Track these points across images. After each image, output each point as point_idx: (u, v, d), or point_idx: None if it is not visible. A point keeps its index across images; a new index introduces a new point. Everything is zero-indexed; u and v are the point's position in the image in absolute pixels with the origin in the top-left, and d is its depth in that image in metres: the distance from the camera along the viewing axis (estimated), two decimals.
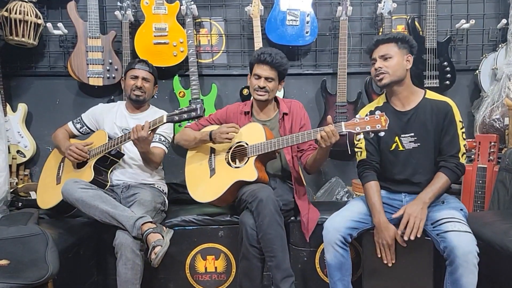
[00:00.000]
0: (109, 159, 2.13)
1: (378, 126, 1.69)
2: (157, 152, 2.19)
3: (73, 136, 2.37)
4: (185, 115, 1.88)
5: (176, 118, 1.89)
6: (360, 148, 1.96)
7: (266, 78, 2.08)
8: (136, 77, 2.26)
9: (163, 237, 1.82)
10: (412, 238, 1.71)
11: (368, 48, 1.92)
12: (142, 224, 1.83)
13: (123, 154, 2.18)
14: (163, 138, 2.26)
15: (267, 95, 2.11)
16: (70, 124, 2.38)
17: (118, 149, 2.11)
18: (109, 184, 2.12)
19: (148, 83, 2.30)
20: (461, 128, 1.83)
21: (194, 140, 2.19)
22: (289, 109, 2.18)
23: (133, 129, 1.96)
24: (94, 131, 2.34)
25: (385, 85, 1.86)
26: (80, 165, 2.18)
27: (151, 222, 1.87)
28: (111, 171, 2.18)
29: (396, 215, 1.79)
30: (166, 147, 2.28)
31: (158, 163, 2.24)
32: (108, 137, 2.15)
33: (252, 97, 2.21)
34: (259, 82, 2.09)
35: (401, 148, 1.89)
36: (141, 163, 2.21)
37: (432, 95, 1.89)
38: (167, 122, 1.91)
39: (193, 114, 1.86)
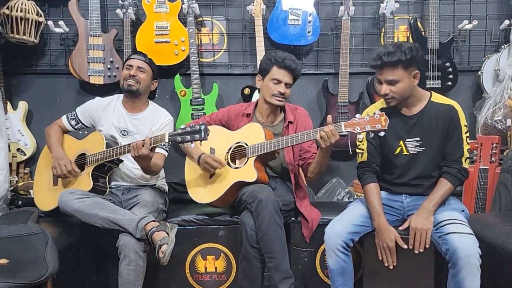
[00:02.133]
0: (107, 166, 2.08)
1: (378, 126, 1.68)
2: (158, 162, 2.11)
3: (67, 132, 2.28)
4: (188, 137, 1.78)
5: (179, 138, 1.79)
6: (362, 149, 1.94)
7: (286, 84, 2.06)
8: (130, 66, 2.18)
9: (168, 234, 1.81)
10: (421, 250, 1.71)
11: (372, 66, 1.81)
12: (145, 224, 1.81)
13: (122, 160, 2.11)
14: (163, 142, 2.20)
15: (284, 101, 2.11)
16: (64, 119, 2.26)
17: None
18: (108, 189, 2.08)
19: (144, 74, 2.19)
20: (466, 133, 1.81)
21: (186, 152, 2.18)
22: (295, 117, 2.16)
23: (133, 147, 1.88)
24: (89, 127, 2.28)
25: (393, 106, 1.84)
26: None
27: (153, 221, 1.86)
28: (110, 175, 2.12)
29: (402, 227, 1.79)
30: (167, 151, 2.20)
31: (159, 171, 2.18)
32: (106, 141, 2.06)
33: (258, 99, 2.19)
34: (279, 87, 2.05)
35: (405, 152, 1.87)
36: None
37: (437, 98, 1.86)
38: (168, 141, 1.83)
39: (197, 136, 1.76)
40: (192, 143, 1.80)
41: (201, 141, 1.81)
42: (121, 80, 2.19)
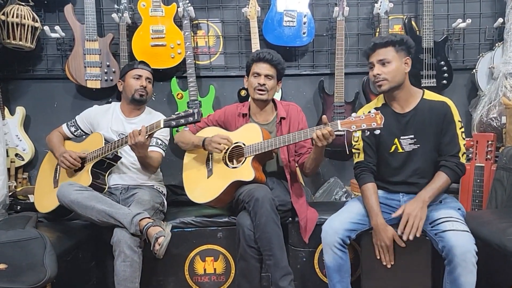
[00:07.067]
0: (106, 163, 2.13)
1: (374, 124, 1.69)
2: (155, 156, 2.19)
3: (67, 139, 2.36)
4: (182, 120, 1.85)
5: (173, 123, 1.87)
6: (358, 149, 1.96)
7: (266, 76, 2.10)
8: (140, 77, 2.27)
9: (163, 229, 1.83)
10: (411, 238, 1.70)
11: (365, 52, 1.88)
12: (140, 220, 1.83)
13: (120, 157, 2.17)
14: (160, 142, 2.26)
15: (267, 94, 2.11)
16: (64, 126, 2.35)
17: (115, 152, 2.10)
18: (107, 187, 2.11)
19: (150, 84, 2.33)
20: (460, 128, 1.83)
21: (191, 144, 2.19)
22: (287, 113, 2.18)
23: (130, 135, 1.95)
24: (88, 134, 2.34)
25: (385, 91, 1.86)
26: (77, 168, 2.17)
27: (148, 217, 1.88)
28: (109, 174, 2.17)
29: (395, 214, 1.79)
30: (163, 150, 2.28)
31: (156, 167, 2.24)
32: (105, 139, 2.14)
33: (250, 99, 2.21)
34: (259, 79, 2.10)
35: (400, 150, 1.88)
36: (139, 167, 2.20)
37: (430, 95, 1.88)
38: (164, 127, 1.90)
39: (191, 119, 1.83)
40: (186, 126, 1.87)
41: (195, 123, 1.90)
42: (131, 90, 2.26)
